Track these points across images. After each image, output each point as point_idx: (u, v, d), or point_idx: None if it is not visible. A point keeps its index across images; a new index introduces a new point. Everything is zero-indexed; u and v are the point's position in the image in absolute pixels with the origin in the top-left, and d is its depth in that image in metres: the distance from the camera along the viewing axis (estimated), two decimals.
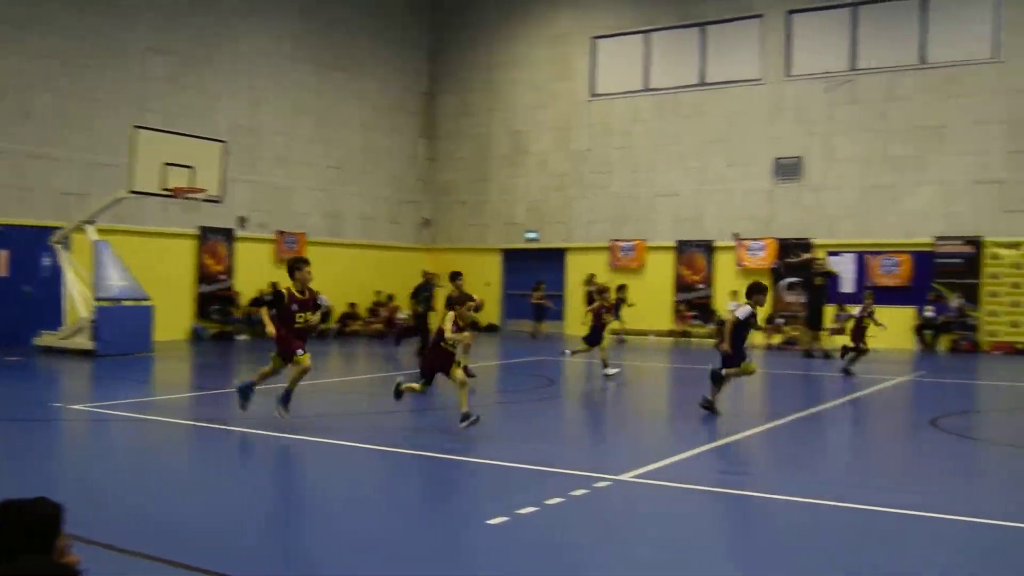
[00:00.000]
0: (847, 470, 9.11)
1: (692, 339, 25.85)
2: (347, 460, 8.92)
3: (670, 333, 26.43)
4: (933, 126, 23.81)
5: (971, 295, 23.34)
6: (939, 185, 23.75)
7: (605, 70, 28.10)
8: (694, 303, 26.45)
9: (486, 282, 29.17)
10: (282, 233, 25.94)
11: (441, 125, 30.77)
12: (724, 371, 11.37)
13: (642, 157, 27.33)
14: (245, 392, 10.45)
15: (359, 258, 28.02)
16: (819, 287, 21.46)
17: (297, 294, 10.17)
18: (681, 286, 26.72)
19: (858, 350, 17.02)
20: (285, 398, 10.26)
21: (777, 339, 24.45)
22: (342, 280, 26.52)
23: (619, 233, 27.55)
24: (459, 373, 9.85)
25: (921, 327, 23.70)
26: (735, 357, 11.29)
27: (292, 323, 10.11)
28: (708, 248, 26.36)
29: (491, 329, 28.89)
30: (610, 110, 27.90)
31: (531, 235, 28.86)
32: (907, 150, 24.05)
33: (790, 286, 24.89)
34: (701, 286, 26.20)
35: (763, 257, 25.34)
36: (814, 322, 21.47)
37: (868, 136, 24.48)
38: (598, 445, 10.73)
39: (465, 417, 9.59)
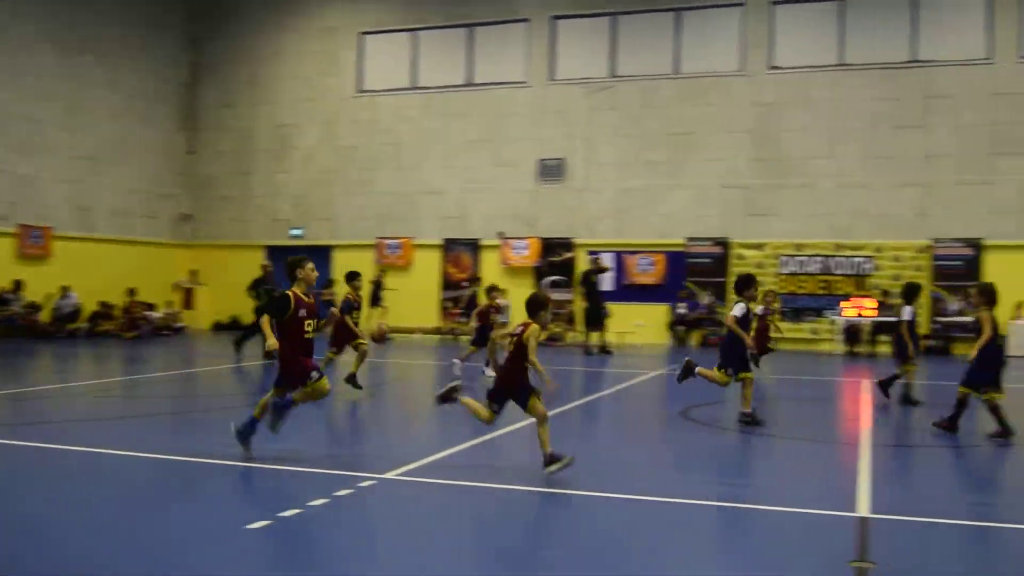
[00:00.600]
0: (600, 461, 9.23)
1: (460, 337, 25.95)
2: (98, 468, 8.23)
3: (436, 331, 26.45)
4: (686, 133, 25.11)
5: (720, 293, 24.71)
6: (691, 189, 25.06)
7: (373, 66, 27.93)
8: (460, 301, 26.64)
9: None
10: (26, 227, 24.06)
11: (202, 117, 29.57)
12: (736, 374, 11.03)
13: (409, 155, 27.31)
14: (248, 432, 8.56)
15: (112, 254, 26.39)
16: (595, 284, 22.06)
17: (304, 297, 8.48)
18: (447, 284, 26.86)
19: (761, 351, 16.04)
20: (252, 427, 8.51)
21: (542, 336, 24.91)
22: (93, 277, 24.93)
23: (386, 231, 27.37)
24: (540, 406, 7.87)
25: (674, 323, 24.85)
26: (735, 360, 10.99)
27: (301, 335, 8.37)
28: (474, 247, 26.64)
29: (254, 329, 27.93)
30: (377, 107, 27.72)
31: (296, 232, 28.17)
32: (662, 155, 25.25)
33: (554, 284, 25.49)
34: (467, 284, 26.40)
35: (527, 256, 25.84)
36: (592, 319, 21.93)
37: (627, 141, 25.52)
38: (364, 444, 10.45)
39: (552, 460, 7.72)
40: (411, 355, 21.38)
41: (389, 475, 7.78)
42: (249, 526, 6.09)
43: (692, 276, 24.93)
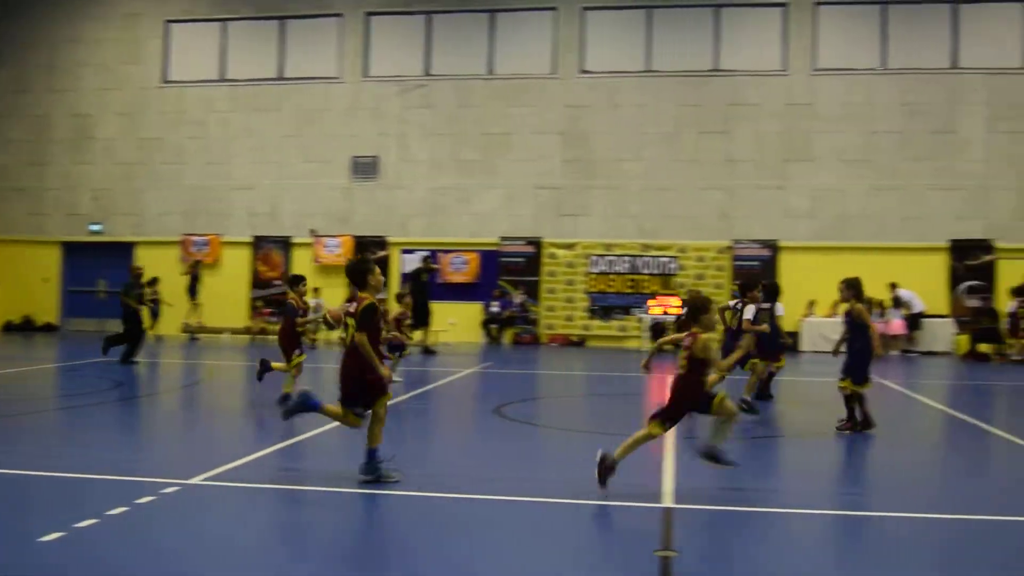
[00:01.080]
0: (416, 461, 9.12)
1: (270, 336, 25.32)
2: None
3: (246, 331, 25.74)
4: (500, 133, 25.39)
5: (532, 291, 25.08)
6: (504, 189, 25.34)
7: (180, 56, 26.96)
8: (271, 299, 26.01)
9: (44, 278, 26.82)
10: None
11: None
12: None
13: (217, 149, 26.51)
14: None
15: None
16: (424, 283, 21.96)
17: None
18: (258, 282, 26.19)
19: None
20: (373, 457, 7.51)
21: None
22: None
23: (193, 227, 26.44)
24: (729, 403, 7.45)
25: (487, 321, 25.04)
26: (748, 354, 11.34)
27: (377, 346, 7.55)
28: (285, 244, 26.10)
29: (49, 328, 26.51)
30: (184, 98, 26.78)
31: (95, 227, 26.85)
32: (476, 155, 25.44)
33: None
34: (278, 282, 25.82)
35: (339, 254, 25.50)
36: (421, 318, 21.75)
37: (441, 139, 25.58)
38: (169, 448, 9.89)
39: (712, 452, 7.47)
40: (220, 356, 20.72)
41: (195, 480, 7.42)
42: (42, 539, 5.68)
43: (505, 275, 25.19)
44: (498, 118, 25.39)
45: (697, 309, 7.63)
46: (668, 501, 7.12)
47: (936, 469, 9.48)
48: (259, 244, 26.18)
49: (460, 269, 25.28)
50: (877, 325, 22.27)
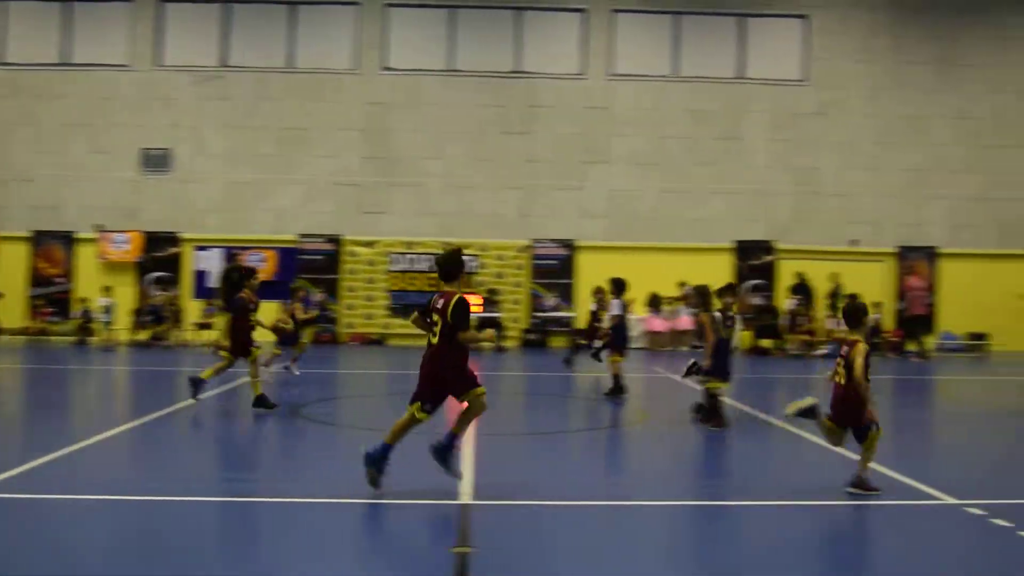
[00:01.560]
0: (212, 464, 8.83)
1: (51, 337, 24.04)
2: None
3: (24, 331, 24.30)
4: (299, 128, 25.00)
5: (332, 290, 24.82)
6: (304, 185, 24.98)
7: None
8: (52, 298, 24.67)
9: None
10: None
11: None
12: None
13: None
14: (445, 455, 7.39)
15: None
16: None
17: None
18: (37, 280, 24.78)
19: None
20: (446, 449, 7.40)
21: (144, 335, 23.69)
22: None
23: None
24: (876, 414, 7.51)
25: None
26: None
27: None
28: (68, 239, 24.79)
29: None
30: None
31: None
32: (274, 149, 24.95)
33: (158, 280, 24.38)
34: (60, 280, 24.52)
35: (128, 251, 24.46)
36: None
37: (238, 133, 24.95)
38: None
39: (862, 485, 7.44)
40: None
41: None
42: None
43: (305, 273, 24.81)
44: (298, 113, 25.00)
45: (859, 314, 7.78)
46: (466, 498, 7.18)
47: (724, 457, 9.97)
48: (39, 239, 24.76)
49: (257, 267, 24.66)
50: (658, 322, 23.38)
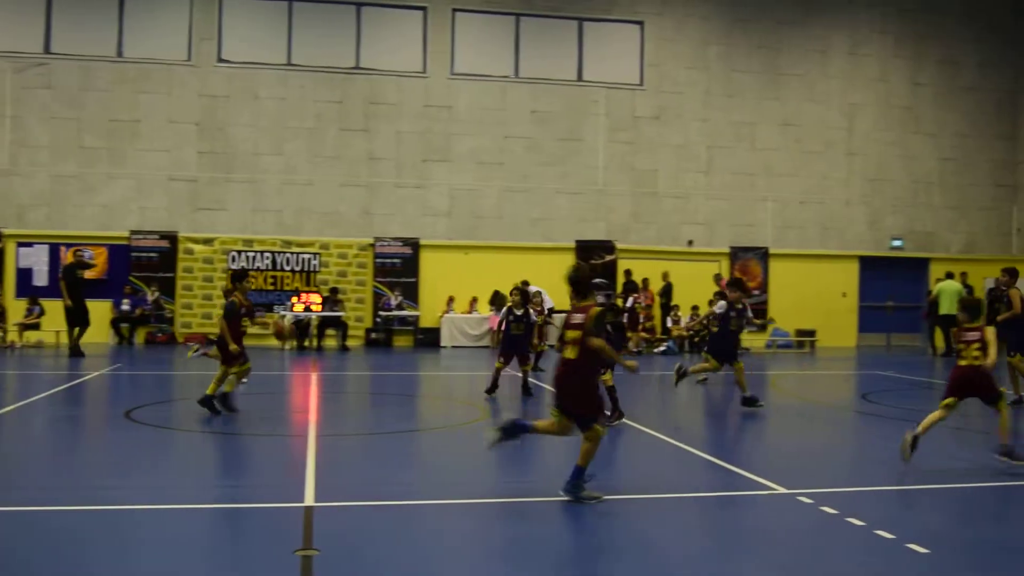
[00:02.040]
0: (35, 471, 8.39)
1: None
2: None
3: None
4: (129, 120, 24.14)
5: (167, 288, 24.07)
6: (135, 180, 24.12)
7: None
8: None
9: None
10: None
11: None
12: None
13: None
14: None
15: None
16: (79, 280, 20.33)
17: None
18: None
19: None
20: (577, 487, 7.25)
21: None
22: None
23: None
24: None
25: (117, 320, 23.69)
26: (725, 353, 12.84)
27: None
28: None
29: None
30: None
31: None
32: (103, 142, 24.00)
33: None
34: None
35: None
36: (79, 318, 20.30)
37: (63, 124, 23.87)
38: None
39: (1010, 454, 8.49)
40: None
41: None
42: None
43: (137, 271, 23.99)
44: (128, 104, 24.12)
45: (979, 306, 8.84)
46: (309, 500, 7.12)
47: (564, 454, 10.18)
48: None
49: (92, 262, 23.68)
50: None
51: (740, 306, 13.19)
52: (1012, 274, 14.76)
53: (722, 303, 13.22)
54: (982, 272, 27.32)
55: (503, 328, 14.27)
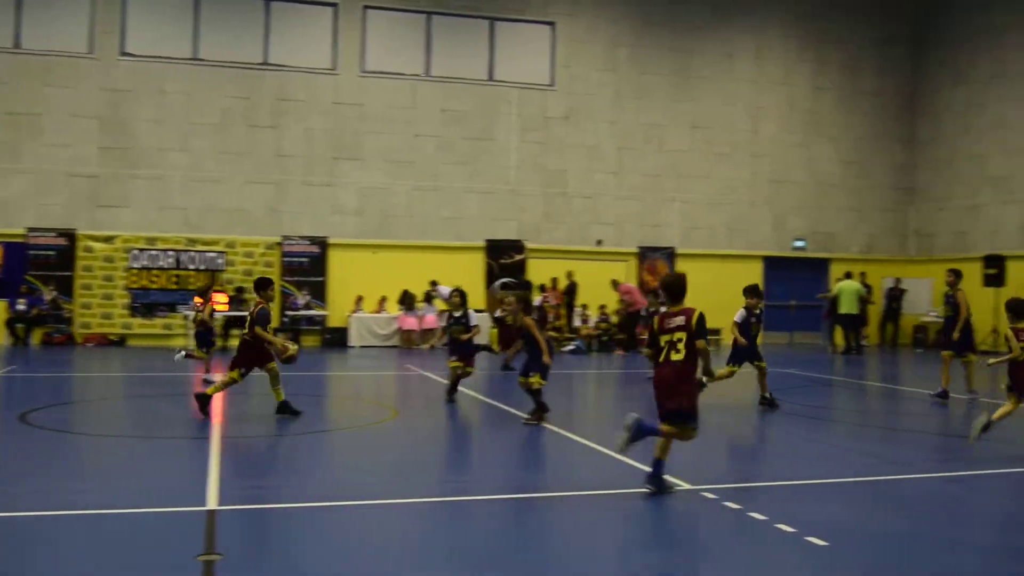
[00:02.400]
0: None
1: None
2: None
3: None
4: (28, 114, 23.47)
5: (65, 287, 23.47)
6: (32, 175, 23.47)
7: None
8: None
9: None
10: None
11: None
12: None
13: None
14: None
15: None
16: None
17: None
18: None
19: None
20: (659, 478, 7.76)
21: None
22: None
23: None
24: None
25: (12, 320, 23.02)
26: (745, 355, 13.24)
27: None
28: None
29: None
30: None
31: None
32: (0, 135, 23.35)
33: None
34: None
35: None
36: None
37: None
38: None
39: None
40: None
41: None
42: None
43: (35, 270, 23.34)
44: (27, 97, 23.44)
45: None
46: (212, 503, 7.06)
47: (471, 452, 10.28)
48: None
49: None
50: (411, 319, 23.72)
51: (758, 311, 13.45)
52: (957, 275, 15.16)
53: (741, 311, 13.35)
54: (880, 272, 28.31)
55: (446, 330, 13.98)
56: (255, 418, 12.17)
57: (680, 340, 7.55)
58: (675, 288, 7.89)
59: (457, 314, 13.53)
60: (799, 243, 28.66)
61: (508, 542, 6.48)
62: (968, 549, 6.38)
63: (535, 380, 11.39)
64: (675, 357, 7.56)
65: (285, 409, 11.59)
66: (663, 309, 13.34)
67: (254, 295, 12.03)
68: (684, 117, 27.53)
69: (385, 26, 25.61)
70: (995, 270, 24.93)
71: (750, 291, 13.50)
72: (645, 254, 27.13)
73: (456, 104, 25.84)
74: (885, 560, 6.08)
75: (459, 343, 13.31)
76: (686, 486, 7.83)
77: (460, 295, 13.78)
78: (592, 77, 26.84)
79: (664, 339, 7.62)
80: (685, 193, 27.54)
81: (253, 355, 11.62)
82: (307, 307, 24.57)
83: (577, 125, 26.68)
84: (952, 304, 14.71)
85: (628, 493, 7.76)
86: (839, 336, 26.18)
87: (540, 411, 11.48)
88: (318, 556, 5.92)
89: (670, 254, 27.27)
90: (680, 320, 7.60)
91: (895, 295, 27.77)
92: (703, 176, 27.67)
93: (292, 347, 11.89)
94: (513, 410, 12.62)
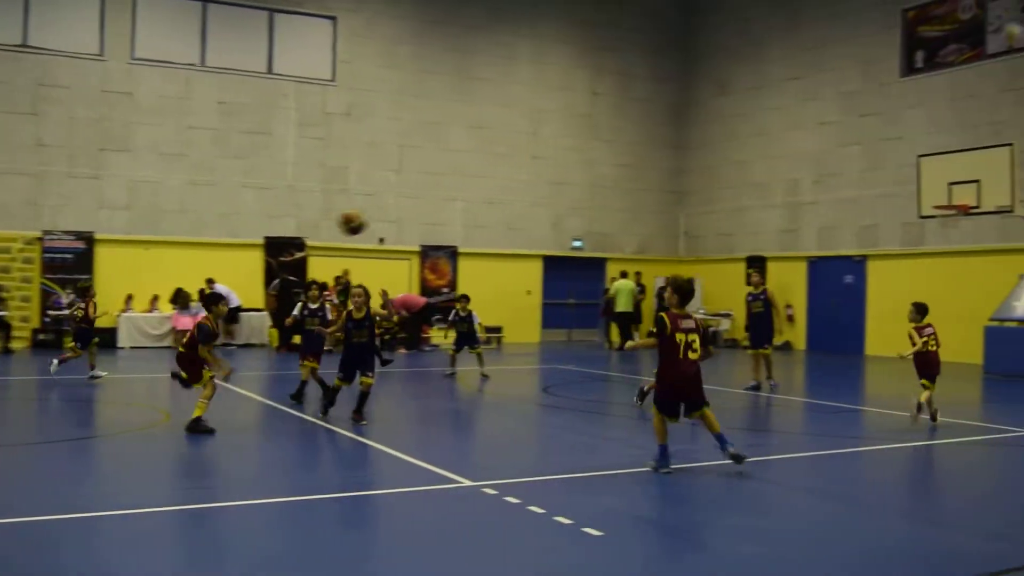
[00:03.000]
0: None
1: None
2: None
3: None
4: None
5: None
6: None
7: None
8: None
9: None
10: None
11: None
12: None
13: None
14: None
15: None
16: None
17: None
18: None
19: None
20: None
21: None
22: None
23: None
24: None
25: None
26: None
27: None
28: None
29: None
30: None
31: None
32: None
33: None
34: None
35: None
36: None
37: None
38: None
39: None
40: None
41: None
42: None
43: None
44: None
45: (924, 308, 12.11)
46: None
47: (236, 457, 10.05)
48: None
49: None
50: (185, 319, 22.99)
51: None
52: (762, 275, 17.26)
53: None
54: (654, 271, 29.72)
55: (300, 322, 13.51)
56: (14, 424, 11.59)
57: (695, 341, 8.48)
58: (685, 290, 8.80)
59: (313, 306, 13.40)
60: (577, 243, 29.70)
61: (272, 547, 6.32)
62: (737, 533, 6.75)
63: (366, 379, 11.34)
64: (692, 356, 8.48)
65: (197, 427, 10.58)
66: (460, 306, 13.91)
67: (4, 294, 11.35)
68: (465, 117, 27.98)
69: (158, 12, 24.69)
70: (756, 270, 26.67)
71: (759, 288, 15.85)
72: (427, 253, 27.38)
73: (233, 96, 25.24)
74: (658, 547, 6.46)
75: (308, 336, 13.08)
76: (467, 483, 7.99)
77: (318, 288, 14.05)
78: (373, 74, 26.85)
79: (680, 337, 8.43)
80: (467, 192, 27.99)
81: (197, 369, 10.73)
82: (71, 307, 23.31)
83: (359, 121, 26.62)
84: (764, 301, 15.98)
85: (411, 492, 7.86)
86: (615, 333, 27.35)
87: (328, 401, 11.74)
88: (71, 568, 5.71)
89: (452, 253, 27.65)
90: (691, 323, 8.56)
91: (664, 294, 29.21)
92: (484, 176, 28.21)
93: (227, 366, 11.18)
94: (293, 411, 12.54)
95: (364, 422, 11.21)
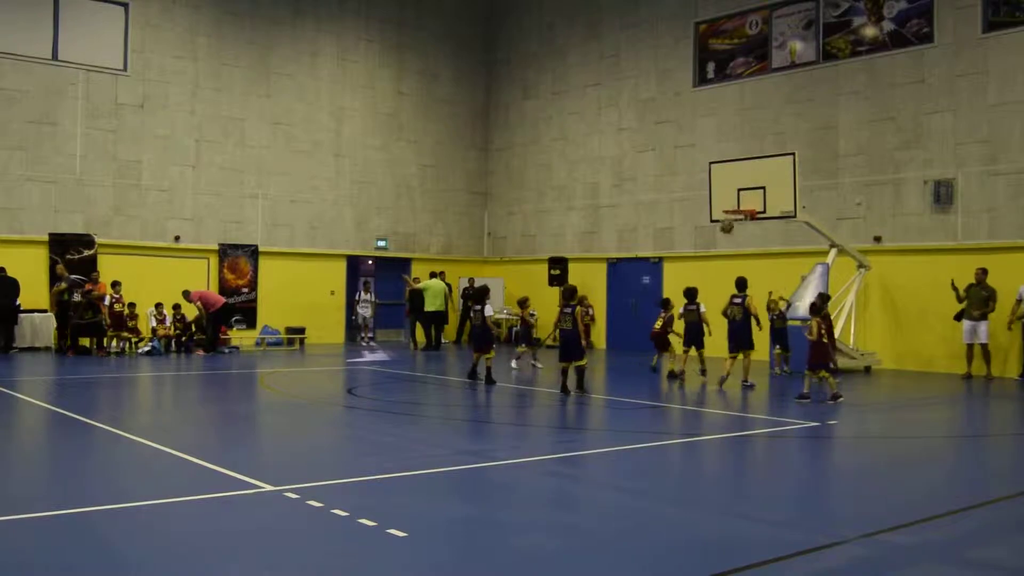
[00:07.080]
0: None
1: None
2: None
3: None
4: None
5: None
6: None
7: None
8: None
9: None
10: None
11: None
12: None
13: None
14: None
15: None
16: None
17: None
18: None
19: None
20: None
21: None
22: None
23: None
24: None
25: None
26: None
27: None
28: None
29: None
30: None
31: None
32: None
33: None
34: None
35: None
36: None
37: None
38: None
39: None
40: None
41: None
42: None
43: None
44: None
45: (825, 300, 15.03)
46: None
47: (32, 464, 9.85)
48: None
49: None
50: None
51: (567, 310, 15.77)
52: (564, 274, 19.07)
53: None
54: (459, 272, 30.49)
55: None
56: None
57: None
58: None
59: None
60: (381, 243, 30.10)
61: (66, 562, 6.01)
62: (539, 529, 7.10)
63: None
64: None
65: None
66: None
67: None
68: (265, 112, 27.90)
69: None
70: (559, 271, 27.93)
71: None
72: (226, 251, 27.12)
73: (13, 83, 24.25)
74: (464, 545, 6.70)
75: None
76: (268, 487, 7.96)
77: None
78: (168, 65, 26.39)
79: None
80: (268, 190, 27.90)
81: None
82: None
83: (152, 114, 26.10)
84: (742, 307, 17.07)
85: (209, 499, 7.68)
86: (420, 333, 27.89)
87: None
88: None
89: (253, 251, 27.48)
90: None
91: (469, 294, 30.03)
92: (286, 173, 28.21)
93: None
94: (79, 417, 12.36)
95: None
